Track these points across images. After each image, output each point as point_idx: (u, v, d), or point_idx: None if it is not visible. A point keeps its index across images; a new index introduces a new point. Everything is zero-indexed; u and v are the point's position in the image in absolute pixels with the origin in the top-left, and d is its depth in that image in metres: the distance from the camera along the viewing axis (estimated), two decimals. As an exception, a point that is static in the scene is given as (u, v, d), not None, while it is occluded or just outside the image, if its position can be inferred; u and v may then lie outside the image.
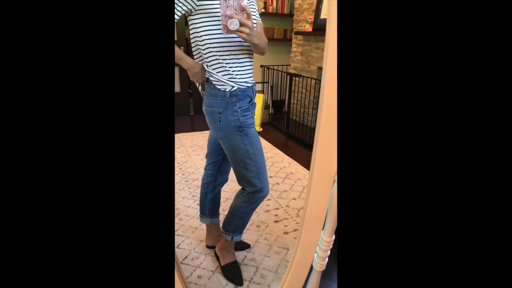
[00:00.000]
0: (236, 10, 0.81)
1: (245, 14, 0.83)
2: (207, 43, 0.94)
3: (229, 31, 0.84)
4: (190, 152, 2.52)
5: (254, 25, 0.99)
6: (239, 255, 1.37)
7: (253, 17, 1.00)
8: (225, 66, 0.96)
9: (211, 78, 0.98)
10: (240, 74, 0.98)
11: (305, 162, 2.39)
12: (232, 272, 1.23)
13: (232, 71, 0.97)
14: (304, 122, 3.25)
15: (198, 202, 1.78)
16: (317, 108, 2.50)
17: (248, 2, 0.98)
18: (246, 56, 0.99)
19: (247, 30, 0.84)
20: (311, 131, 3.02)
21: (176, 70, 3.42)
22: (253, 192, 1.08)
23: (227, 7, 0.81)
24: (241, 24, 0.83)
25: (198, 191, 1.91)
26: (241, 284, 1.20)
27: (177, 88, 3.54)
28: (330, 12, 0.50)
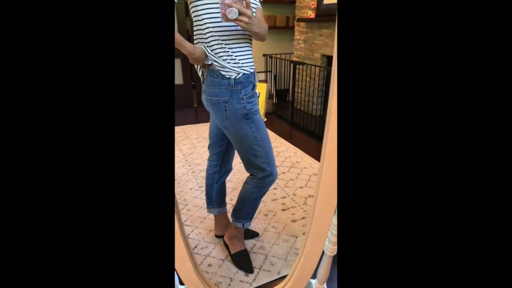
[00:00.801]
0: None
1: (244, 3, 0.82)
2: (210, 29, 0.93)
3: (227, 19, 0.83)
4: (196, 144, 2.52)
5: (254, 12, 0.97)
6: (248, 244, 1.38)
7: (252, 2, 0.98)
8: (228, 52, 0.95)
9: (215, 64, 0.96)
10: (243, 60, 0.98)
11: (311, 151, 2.38)
12: (242, 260, 1.25)
13: (236, 56, 0.96)
14: (308, 111, 3.22)
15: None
16: (322, 96, 2.47)
17: None
18: (247, 42, 0.99)
19: (246, 19, 0.83)
20: (316, 119, 3.00)
21: (178, 62, 3.39)
22: (263, 177, 1.08)
23: None
24: (240, 13, 0.82)
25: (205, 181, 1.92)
26: (252, 272, 1.22)
27: (179, 81, 3.52)
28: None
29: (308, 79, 3.17)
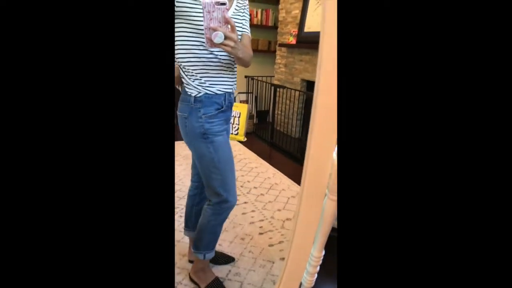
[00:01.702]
0: (220, 22, 0.79)
1: (229, 27, 0.81)
2: (182, 48, 0.94)
3: (213, 44, 0.82)
4: (173, 162, 2.45)
5: (239, 36, 0.98)
6: (223, 270, 1.32)
7: (241, 28, 1.00)
8: (195, 71, 0.95)
9: (182, 80, 0.99)
10: (210, 82, 0.97)
11: (290, 173, 2.38)
12: None
13: (201, 77, 0.96)
14: (288, 133, 3.27)
15: (180, 214, 1.72)
16: (301, 119, 2.51)
17: (237, 12, 0.98)
18: (221, 66, 0.97)
19: (231, 43, 0.82)
20: (295, 141, 3.04)
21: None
22: (219, 203, 1.06)
23: (211, 19, 0.78)
24: (226, 37, 0.81)
25: (181, 202, 1.85)
26: None
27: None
28: (324, 33, 0.48)
29: (288, 101, 3.24)
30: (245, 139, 3.16)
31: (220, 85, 0.99)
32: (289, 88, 3.00)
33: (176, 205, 1.82)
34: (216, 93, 0.98)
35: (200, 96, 0.97)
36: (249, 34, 1.06)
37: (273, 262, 1.39)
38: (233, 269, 1.34)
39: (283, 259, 1.42)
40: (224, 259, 1.37)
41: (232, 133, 3.11)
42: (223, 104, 1.01)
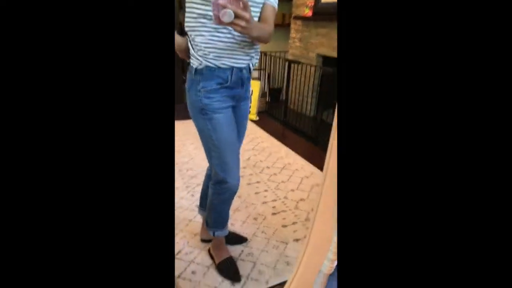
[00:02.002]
0: None
1: (241, 4, 0.69)
2: (189, 16, 0.87)
3: (221, 22, 0.69)
4: (184, 141, 2.42)
5: (257, 11, 0.88)
6: (236, 250, 1.30)
7: (256, 2, 0.88)
8: (201, 41, 0.87)
9: (190, 50, 0.93)
10: (215, 54, 0.88)
11: (304, 152, 2.32)
12: (227, 268, 1.17)
13: (205, 48, 0.87)
14: (302, 112, 3.16)
15: (192, 193, 1.70)
16: (316, 97, 2.39)
17: None
18: (232, 38, 0.87)
19: (242, 23, 0.70)
20: (310, 120, 2.94)
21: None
22: (218, 182, 1.02)
23: None
24: (236, 16, 0.68)
25: (192, 181, 1.83)
26: (239, 280, 1.14)
27: (170, 74, 3.40)
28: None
29: (302, 78, 3.10)
30: (257, 118, 3.08)
31: (227, 58, 0.89)
32: (304, 64, 2.86)
33: (187, 184, 1.80)
34: (220, 67, 0.89)
35: (201, 68, 0.90)
36: (274, 5, 0.93)
37: (287, 243, 1.36)
38: (245, 249, 1.32)
39: (297, 240, 1.38)
40: (238, 239, 1.35)
41: (244, 112, 3.03)
42: (228, 80, 0.92)
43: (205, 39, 0.87)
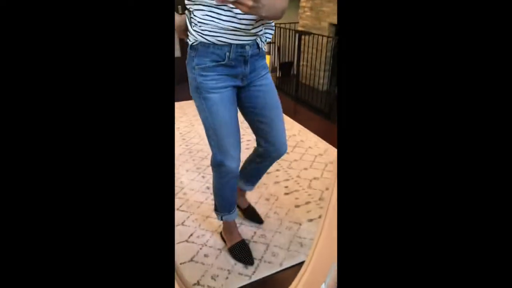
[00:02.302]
0: None
1: None
2: None
3: (224, 0, 0.58)
4: (194, 122, 2.38)
5: None
6: (248, 232, 1.28)
7: None
8: (197, 15, 0.79)
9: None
10: (208, 27, 0.79)
11: (316, 129, 2.23)
12: (240, 252, 1.15)
13: (198, 22, 0.79)
14: (314, 86, 3.02)
15: (203, 175, 1.68)
16: (329, 70, 2.26)
17: None
18: (231, 17, 0.78)
19: (249, 2, 0.59)
20: (323, 95, 2.81)
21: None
22: (217, 165, 0.97)
23: None
24: None
25: (203, 163, 1.80)
26: (252, 264, 1.12)
27: (177, 53, 3.31)
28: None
29: (314, 51, 2.93)
30: (268, 94, 2.98)
31: (220, 32, 0.80)
32: (316, 35, 2.69)
33: (198, 166, 1.78)
34: (215, 43, 0.81)
35: (196, 44, 0.83)
36: None
37: (300, 224, 1.33)
38: (258, 230, 1.29)
39: (310, 220, 1.35)
40: (254, 216, 1.32)
41: (254, 89, 2.93)
42: (226, 57, 0.83)
43: (202, 14, 0.78)
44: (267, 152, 1.06)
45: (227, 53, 0.83)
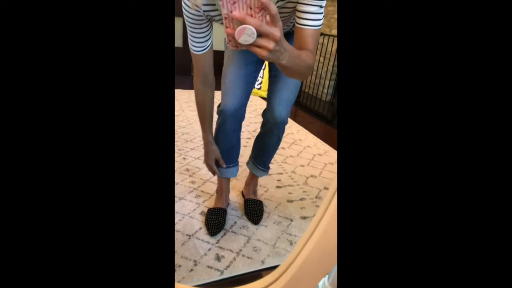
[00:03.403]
0: (251, 8, 0.42)
1: (266, 17, 0.43)
2: None
3: (238, 44, 0.44)
4: (184, 108, 2.18)
5: (287, 26, 0.76)
6: (228, 221, 1.04)
7: (302, 18, 0.60)
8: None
9: None
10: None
11: (316, 131, 2.04)
12: (208, 217, 1.03)
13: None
14: (317, 96, 2.87)
15: (184, 157, 1.46)
16: (335, 79, 2.11)
17: None
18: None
19: (270, 45, 0.44)
20: (325, 104, 2.65)
21: (178, 22, 3.03)
22: (219, 111, 0.97)
23: (234, 2, 0.41)
24: (260, 34, 0.43)
25: (186, 145, 1.59)
26: (212, 234, 0.97)
27: (178, 43, 3.17)
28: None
29: (321, 59, 2.82)
30: (269, 96, 2.82)
31: None
32: (325, 36, 2.58)
33: (180, 147, 1.55)
34: None
35: None
36: (316, 27, 0.62)
37: (291, 220, 1.09)
38: (239, 221, 1.05)
39: (304, 218, 1.11)
40: (252, 213, 1.08)
41: (255, 87, 2.78)
42: None
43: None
44: (266, 118, 0.99)
45: None
